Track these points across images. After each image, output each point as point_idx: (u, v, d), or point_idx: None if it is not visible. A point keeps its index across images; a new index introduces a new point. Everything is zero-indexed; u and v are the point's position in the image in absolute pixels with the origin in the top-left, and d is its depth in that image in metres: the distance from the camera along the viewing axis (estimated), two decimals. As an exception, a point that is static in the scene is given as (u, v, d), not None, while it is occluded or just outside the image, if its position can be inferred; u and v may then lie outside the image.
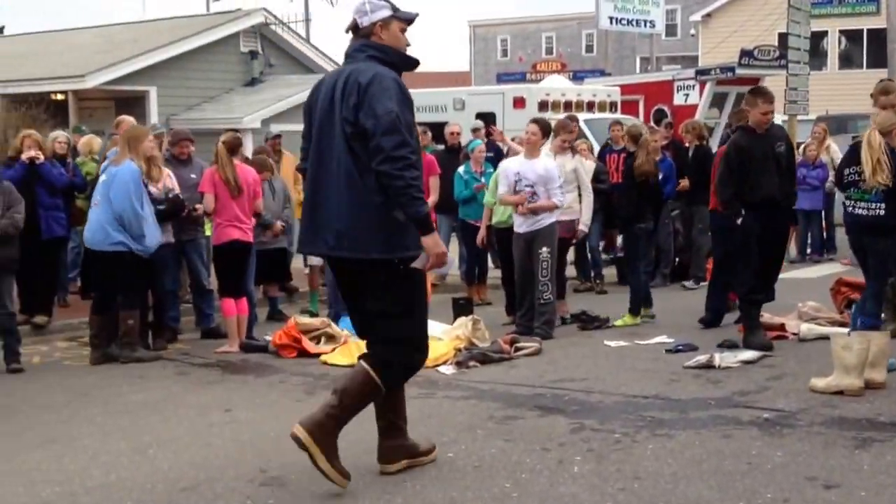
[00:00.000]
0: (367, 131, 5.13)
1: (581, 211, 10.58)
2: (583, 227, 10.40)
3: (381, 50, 5.39)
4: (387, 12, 5.43)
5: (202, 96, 19.95)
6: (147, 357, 9.39)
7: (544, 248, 9.73)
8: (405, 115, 5.19)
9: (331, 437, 5.29)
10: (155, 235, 9.28)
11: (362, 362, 5.42)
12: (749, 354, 8.22)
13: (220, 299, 10.10)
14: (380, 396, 5.42)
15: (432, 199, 10.79)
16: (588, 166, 10.40)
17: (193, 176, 10.34)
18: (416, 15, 5.55)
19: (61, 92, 18.44)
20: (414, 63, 5.54)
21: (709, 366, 7.98)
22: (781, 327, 9.26)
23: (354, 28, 5.47)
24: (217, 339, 10.22)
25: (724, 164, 8.81)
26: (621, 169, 11.23)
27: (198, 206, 10.08)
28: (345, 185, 5.24)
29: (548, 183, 9.67)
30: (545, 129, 10.03)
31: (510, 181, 9.82)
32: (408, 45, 5.51)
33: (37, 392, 7.89)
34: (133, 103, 18.57)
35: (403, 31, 5.47)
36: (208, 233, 10.75)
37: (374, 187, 5.17)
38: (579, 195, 10.65)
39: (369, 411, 5.51)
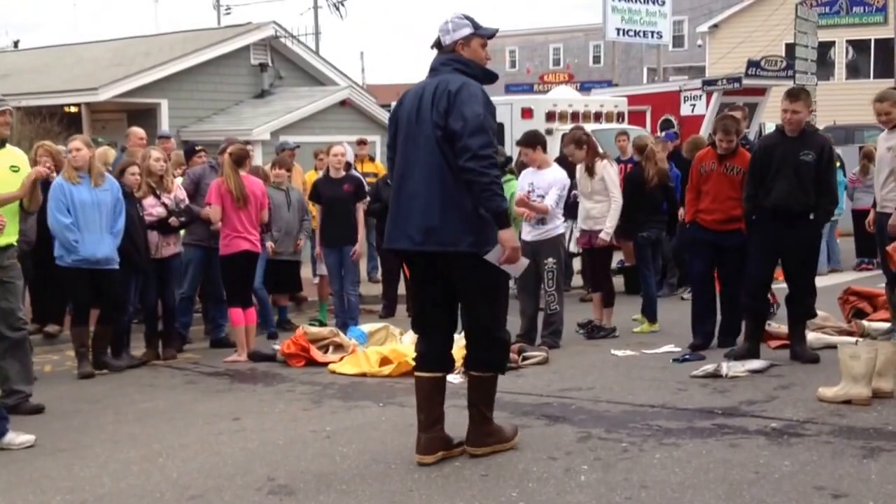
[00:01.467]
0: (455, 133, 5.58)
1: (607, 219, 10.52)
2: (604, 234, 10.38)
3: (464, 63, 5.88)
4: (468, 30, 5.91)
5: (212, 108, 20.01)
6: (114, 366, 9.34)
7: (550, 259, 9.76)
8: (490, 120, 5.64)
9: (493, 429, 6.05)
10: (97, 245, 8.95)
11: (474, 373, 6.02)
12: (756, 364, 8.21)
13: (228, 309, 10.14)
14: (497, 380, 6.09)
15: None
16: (612, 172, 10.39)
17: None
18: (496, 31, 6.05)
19: (74, 104, 18.52)
20: (493, 77, 6.03)
21: (716, 375, 7.99)
22: (788, 336, 9.25)
23: (438, 45, 5.96)
24: (226, 349, 10.27)
25: (750, 162, 8.71)
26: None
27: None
28: (435, 185, 5.68)
29: (549, 189, 9.72)
30: (531, 144, 9.97)
31: (524, 191, 9.87)
32: (488, 59, 6.00)
33: (47, 400, 7.92)
34: (145, 115, 18.65)
35: (483, 46, 5.97)
36: None
37: (463, 187, 5.63)
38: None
39: (384, 425, 5.53)
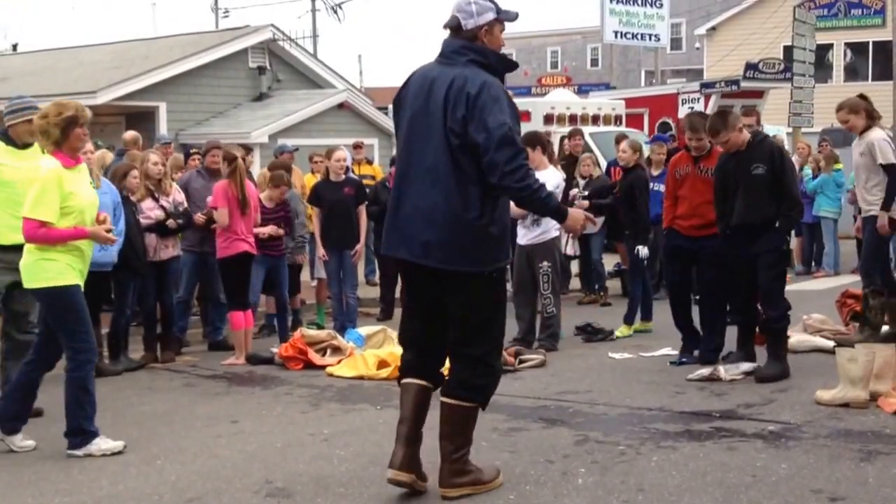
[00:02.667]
0: (478, 146, 5.05)
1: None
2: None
3: (482, 54, 5.24)
4: (492, 15, 5.28)
5: (211, 111, 20.03)
6: (109, 372, 9.26)
7: (545, 262, 9.77)
8: (515, 126, 5.15)
9: (470, 470, 5.37)
10: (98, 246, 8.95)
11: (450, 401, 5.29)
12: (752, 366, 8.21)
13: (228, 312, 10.14)
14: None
15: None
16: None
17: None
18: (517, 14, 5.44)
19: (72, 108, 18.56)
20: (513, 66, 5.47)
21: (712, 378, 8.00)
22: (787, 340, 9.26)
23: (456, 28, 5.28)
24: (224, 352, 10.28)
25: (713, 184, 8.52)
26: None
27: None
28: (441, 196, 5.13)
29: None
30: (532, 144, 9.98)
31: None
32: (502, 45, 5.38)
33: (46, 404, 7.88)
34: (143, 118, 18.66)
35: (502, 31, 5.37)
36: None
37: (474, 202, 5.13)
38: None
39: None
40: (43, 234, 6.38)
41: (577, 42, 60.54)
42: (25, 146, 7.53)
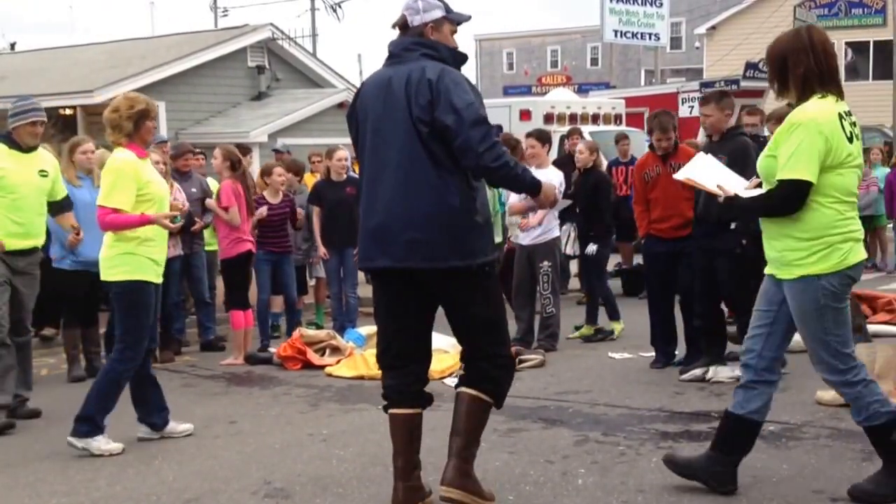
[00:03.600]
0: (448, 128, 4.84)
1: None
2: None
3: (433, 48, 5.08)
4: (440, 13, 5.15)
5: (210, 111, 20.00)
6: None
7: (546, 262, 9.76)
8: (482, 107, 4.98)
9: (474, 476, 5.10)
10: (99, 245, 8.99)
11: (471, 391, 5.07)
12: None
13: (229, 312, 10.12)
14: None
15: None
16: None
17: (194, 190, 10.43)
18: (469, 17, 5.30)
19: (70, 107, 18.49)
20: (464, 58, 5.25)
21: (701, 379, 7.98)
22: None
23: (403, 25, 5.17)
24: (217, 352, 10.27)
25: None
26: (630, 182, 11.26)
27: (196, 219, 10.22)
28: (417, 191, 4.89)
29: None
30: (543, 140, 10.03)
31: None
32: (456, 48, 5.23)
33: (44, 404, 7.90)
34: (142, 117, 18.64)
35: (453, 33, 5.22)
36: (210, 247, 10.84)
37: (454, 191, 4.91)
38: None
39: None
40: (111, 220, 6.55)
41: (577, 41, 60.57)
42: (29, 149, 7.56)
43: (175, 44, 21.34)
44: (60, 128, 16.73)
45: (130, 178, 6.56)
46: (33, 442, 7.00)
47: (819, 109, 4.89)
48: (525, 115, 19.17)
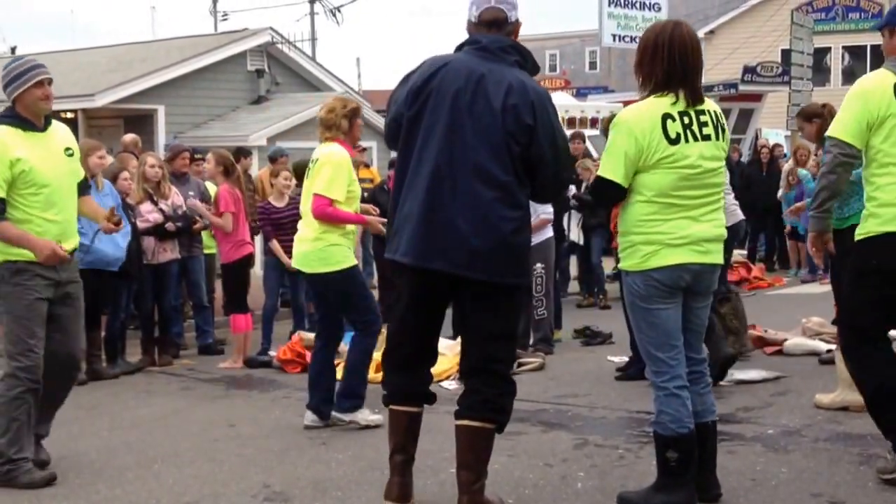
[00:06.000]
0: (544, 160, 4.79)
1: None
2: None
3: (524, 56, 4.93)
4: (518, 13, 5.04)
5: (209, 114, 20.00)
6: (107, 375, 9.27)
7: (538, 265, 9.76)
8: None
9: (489, 501, 5.02)
10: (108, 246, 8.76)
11: (475, 423, 4.89)
12: (752, 374, 8.17)
13: (229, 315, 10.13)
14: None
15: None
16: None
17: (192, 193, 10.44)
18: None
19: (71, 110, 18.49)
20: (538, 70, 5.09)
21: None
22: (783, 343, 9.25)
23: (497, 22, 4.93)
24: (216, 355, 10.28)
25: None
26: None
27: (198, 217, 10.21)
28: (490, 202, 4.72)
29: None
30: None
31: None
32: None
33: (42, 408, 7.89)
34: (142, 121, 18.61)
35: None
36: (208, 251, 10.84)
37: (521, 209, 4.85)
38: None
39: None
40: (332, 212, 6.86)
41: (576, 45, 60.53)
42: (45, 124, 5.94)
43: (175, 47, 21.35)
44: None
45: (347, 173, 6.94)
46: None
47: (636, 111, 4.87)
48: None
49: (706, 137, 4.83)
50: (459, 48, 4.97)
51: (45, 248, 5.74)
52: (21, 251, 5.75)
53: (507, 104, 4.71)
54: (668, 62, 4.78)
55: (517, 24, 4.99)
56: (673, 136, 4.76)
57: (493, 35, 4.90)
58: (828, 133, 5.38)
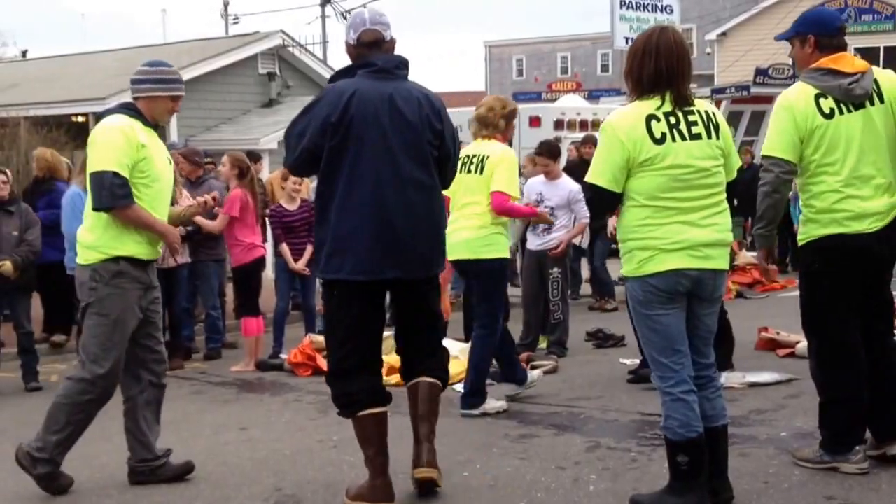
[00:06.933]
0: (449, 156, 5.48)
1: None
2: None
3: (408, 68, 5.40)
4: None
5: (220, 117, 20.05)
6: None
7: (556, 269, 9.75)
8: None
9: None
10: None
11: (432, 380, 5.48)
12: (764, 377, 8.13)
13: (240, 319, 10.14)
14: None
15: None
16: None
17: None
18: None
19: (82, 114, 18.55)
20: None
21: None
22: (795, 345, 9.21)
23: (377, 42, 5.31)
24: (233, 359, 10.28)
25: None
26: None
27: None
28: (429, 206, 5.30)
29: (573, 204, 9.75)
30: (554, 155, 10.05)
31: (531, 199, 9.84)
32: None
33: (41, 410, 7.89)
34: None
35: None
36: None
37: (442, 206, 5.57)
38: None
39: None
40: (510, 207, 7.50)
41: (587, 48, 60.56)
42: (155, 127, 5.96)
43: (186, 51, 21.41)
44: (73, 135, 16.78)
45: (517, 170, 7.55)
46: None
47: (620, 114, 4.87)
48: (535, 121, 19.18)
49: (696, 136, 4.80)
50: (352, 72, 5.29)
51: (173, 232, 5.98)
52: (126, 248, 5.68)
53: (421, 116, 5.23)
54: (654, 66, 4.78)
55: (392, 42, 5.38)
56: (658, 135, 4.74)
57: (383, 55, 5.29)
58: (764, 152, 5.46)
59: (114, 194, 5.55)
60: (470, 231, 7.34)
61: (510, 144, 7.88)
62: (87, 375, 5.70)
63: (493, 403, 7.46)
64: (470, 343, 7.61)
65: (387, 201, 5.14)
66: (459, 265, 7.56)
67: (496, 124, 7.52)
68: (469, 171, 7.38)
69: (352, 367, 5.29)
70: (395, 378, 8.50)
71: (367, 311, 5.29)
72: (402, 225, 5.17)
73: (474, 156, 7.46)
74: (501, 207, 7.36)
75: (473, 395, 7.42)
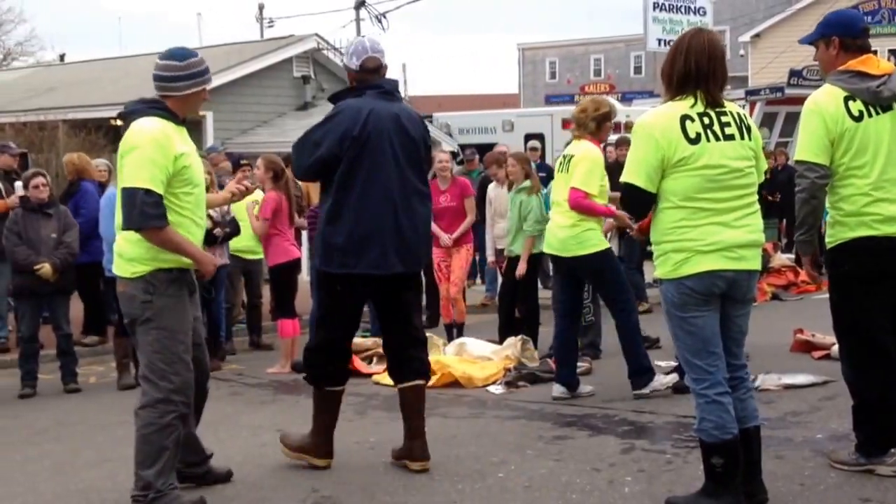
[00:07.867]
0: (428, 163, 6.55)
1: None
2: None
3: (400, 91, 6.27)
4: None
5: (256, 120, 20.17)
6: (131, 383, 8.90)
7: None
8: None
9: None
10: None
11: (421, 382, 6.14)
12: (800, 379, 8.10)
13: (277, 320, 10.22)
14: None
15: (469, 219, 10.97)
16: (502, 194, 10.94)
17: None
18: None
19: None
20: None
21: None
22: (830, 347, 9.15)
23: (378, 68, 6.04)
24: (270, 361, 10.34)
25: None
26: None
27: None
28: (426, 212, 6.10)
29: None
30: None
31: None
32: None
33: (93, 411, 8.00)
34: (190, 128, 18.65)
35: None
36: (255, 256, 10.93)
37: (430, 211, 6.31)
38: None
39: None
40: (587, 204, 7.67)
41: (621, 50, 60.36)
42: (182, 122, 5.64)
43: (222, 54, 21.55)
44: (112, 138, 16.94)
45: (600, 170, 7.80)
46: (82, 449, 7.09)
47: (655, 114, 4.87)
48: (567, 124, 19.09)
49: (729, 137, 4.80)
50: (359, 92, 5.97)
51: (209, 261, 5.57)
52: (177, 258, 5.33)
53: (419, 134, 6.05)
54: (684, 65, 4.80)
55: (386, 68, 6.12)
56: (693, 135, 4.74)
57: (387, 80, 6.08)
58: (797, 157, 5.42)
59: (144, 214, 5.15)
60: (562, 230, 7.80)
61: (604, 146, 8.11)
62: (160, 395, 5.27)
63: (662, 380, 7.75)
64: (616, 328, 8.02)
65: (397, 207, 5.88)
66: (555, 260, 8.08)
67: (586, 125, 7.86)
68: (561, 171, 7.89)
69: (335, 349, 6.08)
70: (432, 380, 8.61)
71: (360, 303, 6.20)
72: (407, 227, 5.92)
73: (565, 156, 7.96)
74: (577, 204, 7.64)
75: (640, 374, 7.76)
